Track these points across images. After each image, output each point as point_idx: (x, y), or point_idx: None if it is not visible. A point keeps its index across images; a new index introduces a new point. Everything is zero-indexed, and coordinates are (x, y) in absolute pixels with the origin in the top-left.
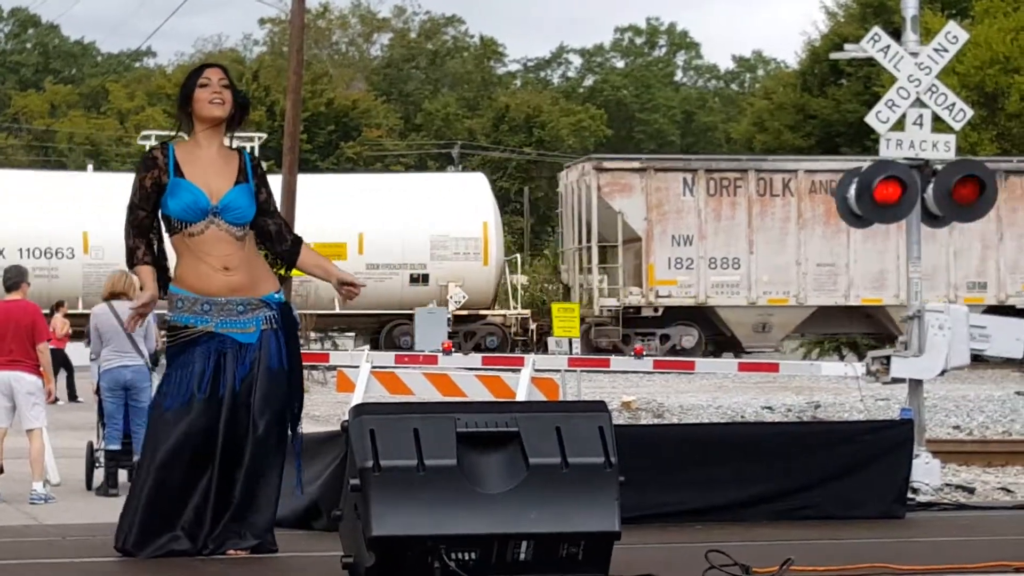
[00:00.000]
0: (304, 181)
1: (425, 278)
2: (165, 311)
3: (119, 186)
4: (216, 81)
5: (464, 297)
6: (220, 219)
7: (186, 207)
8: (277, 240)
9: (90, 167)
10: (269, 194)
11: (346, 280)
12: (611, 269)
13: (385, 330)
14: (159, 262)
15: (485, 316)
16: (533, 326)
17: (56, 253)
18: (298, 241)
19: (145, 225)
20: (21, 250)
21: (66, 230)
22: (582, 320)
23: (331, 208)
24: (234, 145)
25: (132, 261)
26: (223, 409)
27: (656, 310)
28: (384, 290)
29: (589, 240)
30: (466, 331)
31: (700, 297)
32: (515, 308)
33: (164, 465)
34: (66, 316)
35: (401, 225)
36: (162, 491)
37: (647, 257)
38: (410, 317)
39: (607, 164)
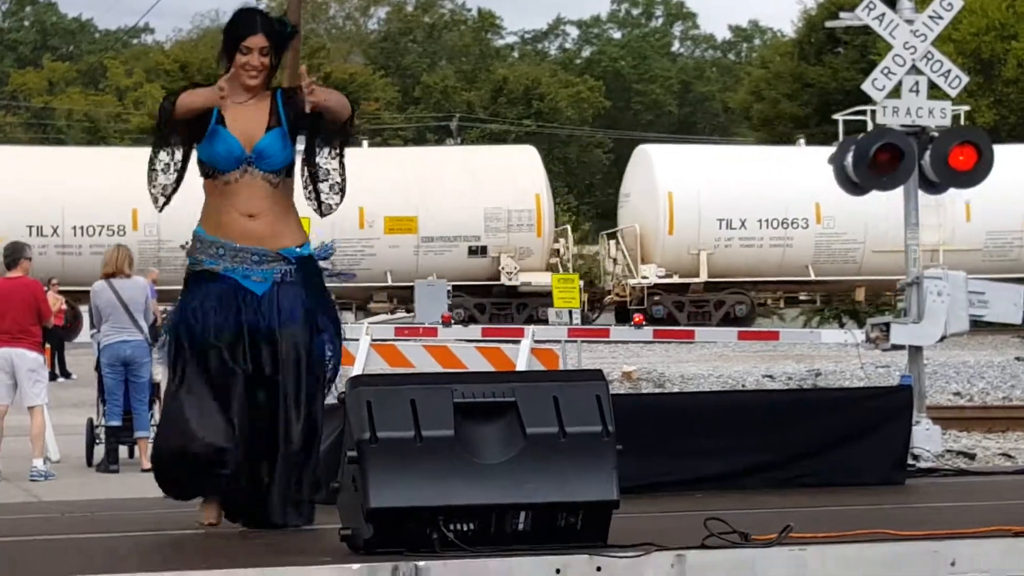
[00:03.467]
0: None
1: None
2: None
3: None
4: (256, 52)
5: None
6: (254, 167)
7: (219, 156)
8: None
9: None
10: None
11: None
12: None
13: None
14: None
15: None
16: None
17: (792, 223)
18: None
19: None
20: (760, 221)
21: (800, 200)
22: None
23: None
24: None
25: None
26: (241, 355)
27: None
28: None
29: None
30: None
31: None
32: None
33: (191, 386)
34: (59, 293)
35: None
36: (190, 411)
37: None
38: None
39: None
